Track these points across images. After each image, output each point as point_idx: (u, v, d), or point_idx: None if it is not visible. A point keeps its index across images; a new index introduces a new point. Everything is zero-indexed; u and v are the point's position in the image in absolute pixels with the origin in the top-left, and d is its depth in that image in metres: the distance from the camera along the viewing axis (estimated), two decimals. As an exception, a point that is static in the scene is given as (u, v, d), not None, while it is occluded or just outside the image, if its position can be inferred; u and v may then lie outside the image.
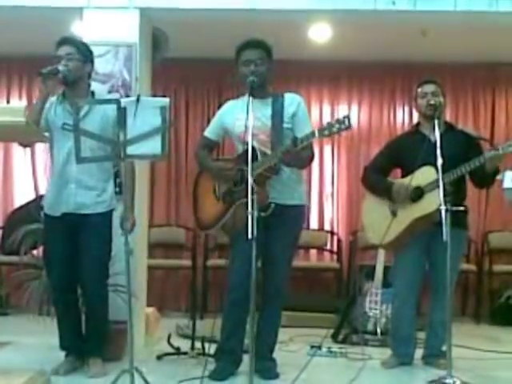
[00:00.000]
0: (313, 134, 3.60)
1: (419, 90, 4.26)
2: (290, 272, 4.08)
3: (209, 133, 4.15)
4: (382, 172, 4.36)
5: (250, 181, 3.29)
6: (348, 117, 3.48)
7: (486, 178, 4.14)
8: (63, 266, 3.92)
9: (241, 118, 3.76)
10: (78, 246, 3.90)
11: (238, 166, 3.87)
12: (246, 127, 3.47)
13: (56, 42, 3.92)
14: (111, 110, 3.41)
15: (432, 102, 4.12)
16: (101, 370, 3.89)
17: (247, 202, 3.26)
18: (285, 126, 3.88)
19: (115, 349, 4.12)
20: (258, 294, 3.34)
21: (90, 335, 4.01)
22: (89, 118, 3.71)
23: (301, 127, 3.85)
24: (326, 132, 3.51)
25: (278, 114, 3.88)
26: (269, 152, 3.78)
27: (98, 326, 4.00)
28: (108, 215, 3.95)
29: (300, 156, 3.74)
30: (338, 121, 3.49)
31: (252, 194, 3.25)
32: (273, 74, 3.97)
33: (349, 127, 3.47)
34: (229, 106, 4.09)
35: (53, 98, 3.97)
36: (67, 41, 3.94)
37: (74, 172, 3.86)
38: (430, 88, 4.22)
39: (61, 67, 3.82)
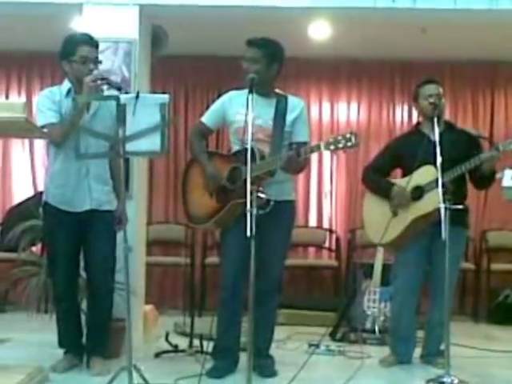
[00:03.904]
0: (318, 146, 3.60)
1: (421, 90, 4.24)
2: (284, 268, 4.05)
3: (207, 120, 4.04)
4: (381, 172, 4.35)
5: (249, 181, 3.26)
6: (355, 134, 3.47)
7: (484, 179, 4.15)
8: (70, 262, 3.91)
9: (242, 112, 3.62)
10: (84, 242, 3.90)
11: (233, 164, 3.84)
12: (246, 123, 3.41)
13: (80, 36, 3.89)
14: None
15: (432, 101, 4.11)
16: (104, 367, 3.85)
17: (244, 201, 3.24)
18: (286, 129, 3.87)
19: (113, 346, 4.10)
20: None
21: (93, 332, 3.98)
22: (99, 115, 3.71)
23: (299, 132, 3.88)
24: (332, 147, 3.51)
25: (280, 117, 3.86)
26: (267, 151, 3.77)
27: (102, 323, 3.98)
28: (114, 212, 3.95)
29: (299, 165, 3.76)
30: (344, 137, 3.48)
31: (251, 193, 3.23)
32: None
33: (354, 145, 3.46)
34: (232, 96, 3.97)
35: (56, 89, 3.90)
36: (94, 42, 3.88)
37: (91, 167, 3.84)
38: (433, 90, 4.19)
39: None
